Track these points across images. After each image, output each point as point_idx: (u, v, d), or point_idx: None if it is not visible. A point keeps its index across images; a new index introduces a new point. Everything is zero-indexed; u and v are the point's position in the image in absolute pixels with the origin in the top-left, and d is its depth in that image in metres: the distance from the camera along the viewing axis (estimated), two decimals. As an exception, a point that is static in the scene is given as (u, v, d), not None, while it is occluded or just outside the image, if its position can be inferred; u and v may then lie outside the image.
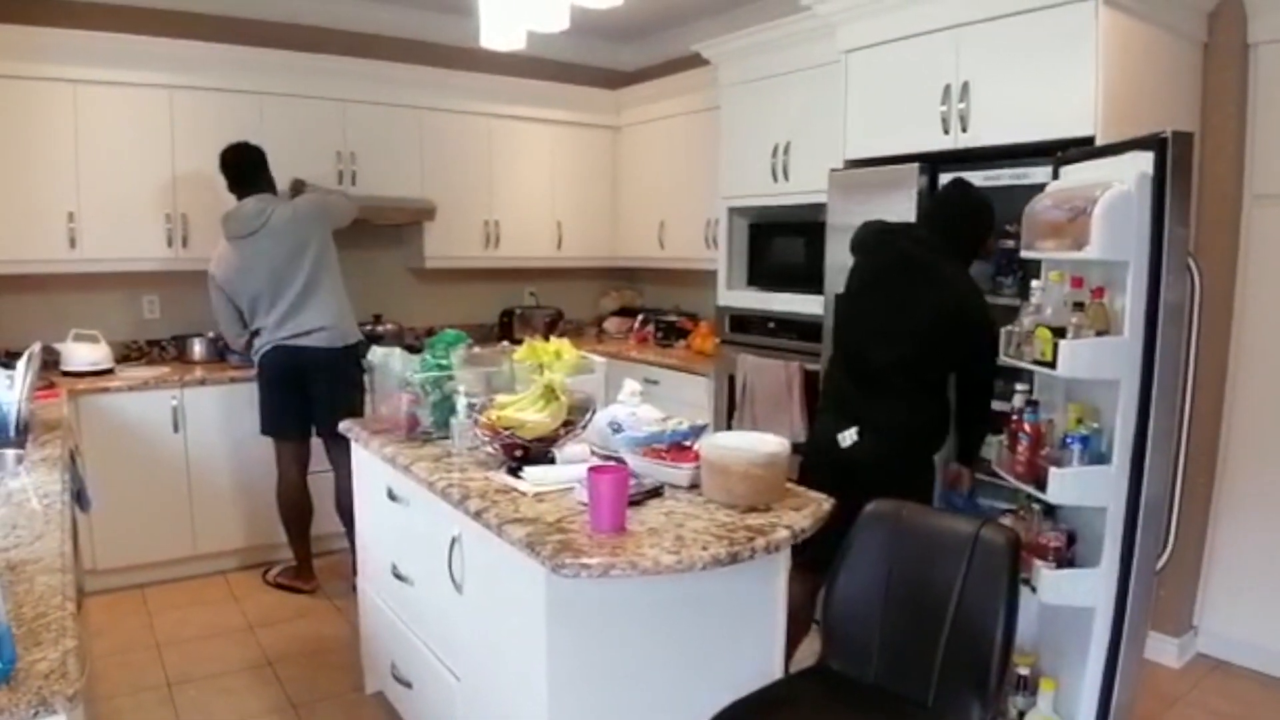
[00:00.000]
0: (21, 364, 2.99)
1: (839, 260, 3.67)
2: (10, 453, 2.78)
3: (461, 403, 2.64)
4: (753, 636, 2.25)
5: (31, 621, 1.50)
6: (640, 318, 5.84)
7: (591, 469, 2.01)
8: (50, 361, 4.03)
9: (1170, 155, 2.29)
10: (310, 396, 4.05)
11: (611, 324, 6.10)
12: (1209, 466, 3.50)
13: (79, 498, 2.71)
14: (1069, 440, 2.49)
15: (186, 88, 4.43)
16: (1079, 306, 2.43)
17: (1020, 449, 2.68)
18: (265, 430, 4.12)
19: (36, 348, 3.17)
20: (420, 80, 5.07)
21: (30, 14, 4.18)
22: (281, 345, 4.00)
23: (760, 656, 2.26)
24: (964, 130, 3.30)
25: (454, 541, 2.36)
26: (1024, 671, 2.73)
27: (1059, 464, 2.48)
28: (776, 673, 2.28)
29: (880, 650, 2.17)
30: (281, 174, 4.51)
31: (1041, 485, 2.53)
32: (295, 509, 4.17)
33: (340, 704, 3.25)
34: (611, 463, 2.32)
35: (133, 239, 4.36)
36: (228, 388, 4.37)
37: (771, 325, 4.32)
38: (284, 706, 3.23)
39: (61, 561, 1.81)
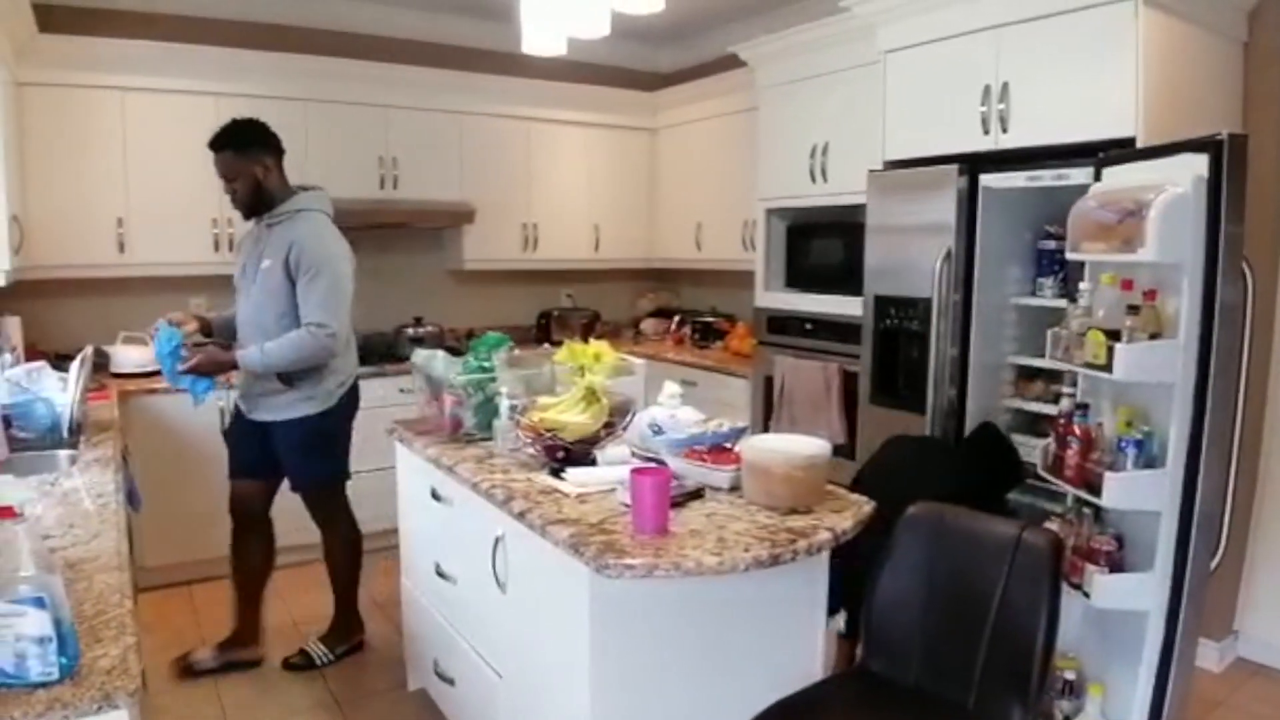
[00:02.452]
0: (74, 366, 3.07)
1: (878, 261, 3.68)
2: (64, 453, 2.86)
3: (504, 405, 2.66)
4: (793, 638, 2.26)
5: (92, 619, 1.55)
6: (677, 319, 5.86)
7: (634, 471, 2.03)
8: (100, 364, 4.11)
9: (1226, 157, 2.27)
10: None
11: (648, 325, 6.12)
12: (1250, 469, 3.45)
13: (130, 497, 2.77)
14: (1123, 444, 2.48)
15: (232, 95, 4.50)
16: (1133, 309, 2.41)
17: (1069, 453, 2.66)
18: (348, 472, 3.60)
19: (88, 350, 3.25)
20: (460, 85, 5.13)
21: (80, 24, 4.30)
22: (357, 379, 3.53)
23: (800, 658, 2.26)
24: (1004, 131, 3.28)
25: (497, 541, 2.38)
26: (1069, 676, 2.71)
27: (1113, 468, 2.46)
28: (817, 674, 2.28)
29: (921, 653, 2.17)
30: (327, 179, 4.57)
31: (1092, 489, 2.52)
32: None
33: (383, 701, 3.30)
34: (652, 464, 2.34)
35: (180, 243, 4.45)
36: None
37: (810, 326, 4.32)
38: (328, 703, 3.28)
39: (119, 560, 1.86)
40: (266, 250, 3.18)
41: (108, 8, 4.47)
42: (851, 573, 2.34)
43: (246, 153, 3.16)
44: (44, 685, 1.31)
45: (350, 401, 3.46)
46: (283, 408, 3.27)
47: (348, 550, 3.65)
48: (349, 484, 3.62)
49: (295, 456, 3.34)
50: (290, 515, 4.40)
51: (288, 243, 3.12)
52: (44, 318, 4.39)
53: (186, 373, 3.14)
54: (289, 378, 3.22)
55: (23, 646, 1.31)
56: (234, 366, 3.20)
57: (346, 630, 3.69)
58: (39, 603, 1.31)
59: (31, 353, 3.90)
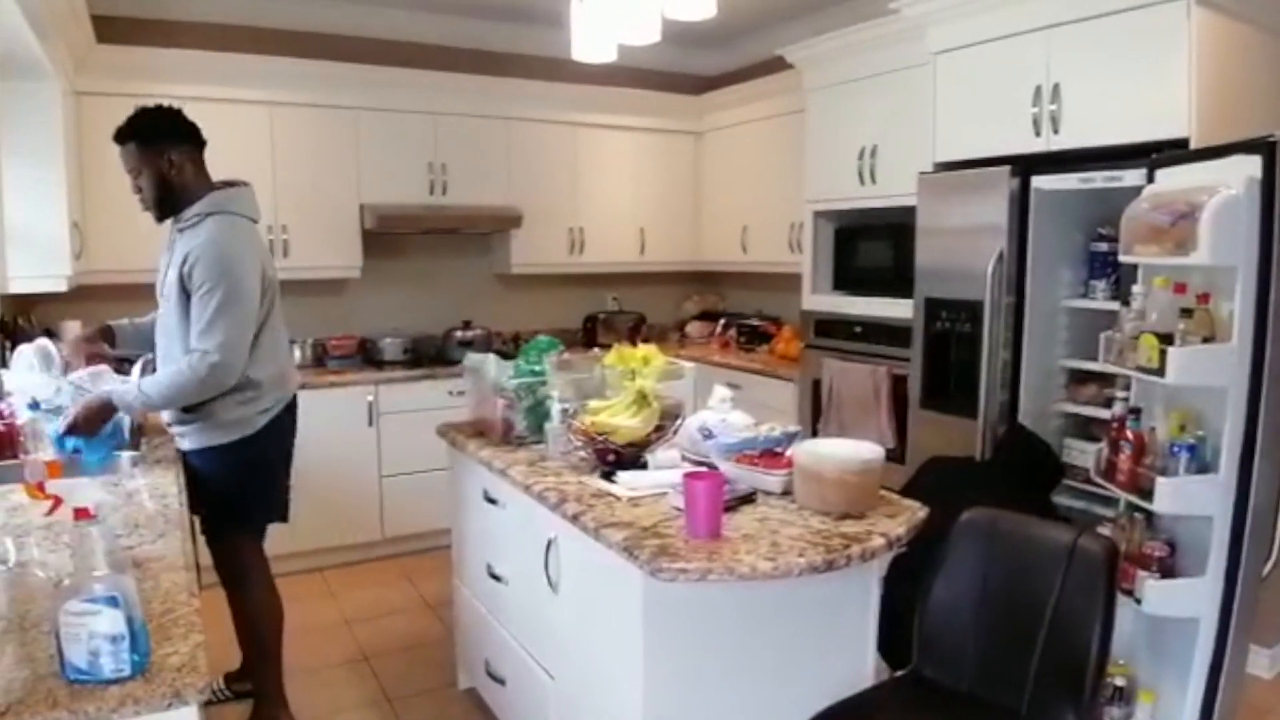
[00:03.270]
0: (135, 371, 3.14)
1: (929, 263, 3.66)
2: (126, 455, 2.92)
3: (555, 408, 2.69)
4: (844, 642, 2.25)
5: (160, 617, 1.58)
6: (722, 322, 5.86)
7: (687, 475, 2.04)
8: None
9: (1280, 159, 2.24)
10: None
11: (693, 328, 6.12)
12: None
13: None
14: (1175, 449, 2.45)
15: (285, 104, 4.60)
16: (1186, 313, 2.38)
17: (1122, 458, 2.63)
18: (274, 517, 3.04)
19: (149, 355, 3.32)
20: (507, 91, 5.18)
21: (137, 35, 4.41)
22: (293, 400, 3.04)
23: (851, 662, 2.26)
24: (1055, 132, 3.25)
25: (550, 544, 2.41)
26: (1120, 682, 2.68)
27: (1165, 473, 2.43)
28: (868, 679, 2.27)
29: (974, 658, 2.15)
30: (379, 186, 4.68)
31: (1145, 494, 2.49)
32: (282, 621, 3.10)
33: (434, 699, 3.34)
34: (703, 468, 2.35)
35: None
36: (323, 392, 4.52)
37: (858, 329, 4.30)
38: (379, 700, 3.33)
39: (184, 559, 1.90)
40: (173, 259, 2.78)
41: (165, 18, 4.58)
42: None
43: (151, 145, 2.75)
44: (116, 682, 1.35)
45: (278, 431, 2.93)
46: (192, 435, 2.84)
47: (263, 616, 3.00)
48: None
49: (204, 493, 2.80)
50: (325, 515, 4.51)
51: (185, 253, 2.71)
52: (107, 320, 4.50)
53: (66, 434, 2.67)
54: (188, 405, 2.78)
55: (96, 644, 1.34)
56: (113, 409, 2.70)
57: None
58: (113, 601, 1.35)
59: (92, 358, 4.00)
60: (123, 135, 2.76)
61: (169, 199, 2.80)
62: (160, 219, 2.87)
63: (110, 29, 4.22)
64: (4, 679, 1.36)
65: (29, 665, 1.41)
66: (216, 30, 4.68)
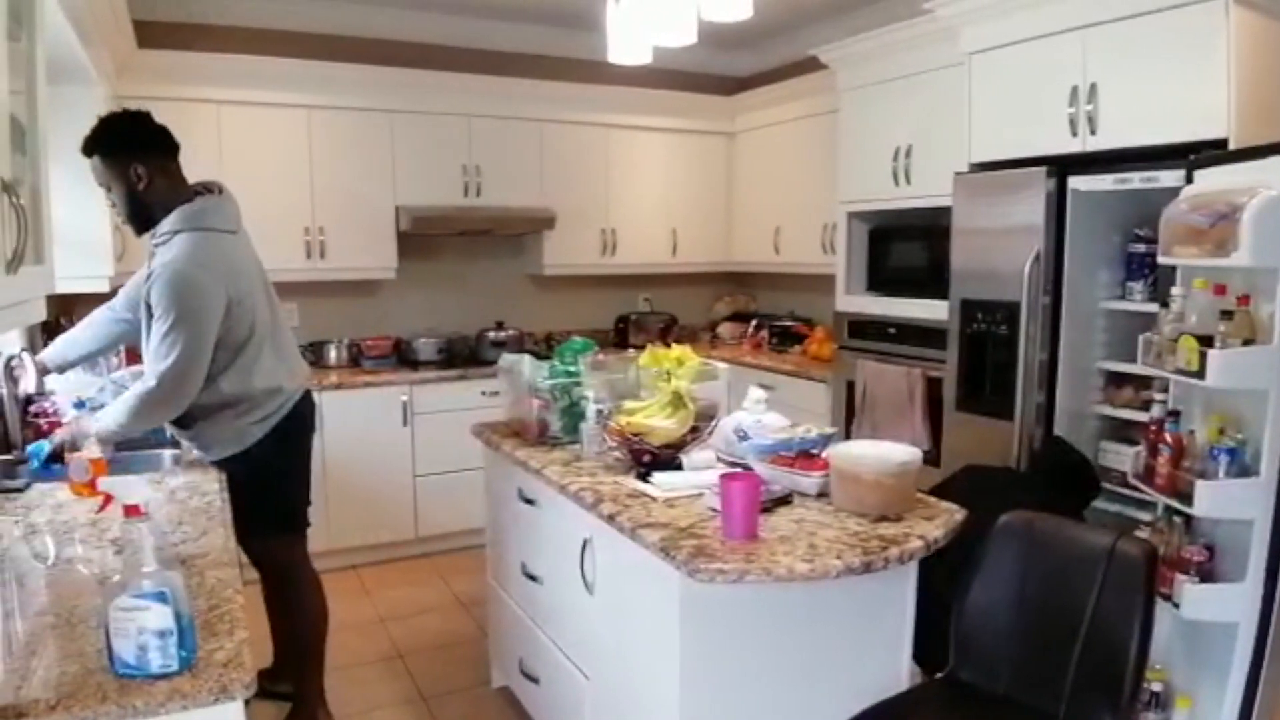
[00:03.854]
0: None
1: (965, 264, 3.64)
2: (167, 453, 2.97)
3: (590, 409, 2.70)
4: (879, 645, 2.25)
5: (206, 613, 1.61)
6: (754, 323, 5.85)
7: (724, 476, 2.05)
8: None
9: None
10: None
11: (725, 329, 6.11)
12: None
13: None
14: (1215, 452, 2.42)
15: (322, 107, 4.65)
16: (1226, 315, 2.35)
17: (1161, 461, 2.61)
18: (297, 525, 3.02)
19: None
20: (541, 94, 5.20)
21: (177, 39, 4.47)
22: (305, 397, 2.97)
23: (887, 665, 2.25)
24: (1092, 133, 3.21)
25: (586, 543, 2.42)
26: (1156, 688, 2.66)
27: (1204, 476, 2.41)
28: (903, 682, 2.27)
29: (1011, 662, 2.14)
30: (414, 188, 4.70)
31: (1184, 498, 2.47)
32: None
33: (467, 697, 3.36)
34: (738, 469, 2.35)
35: (274, 251, 4.49)
36: (358, 392, 4.56)
37: (893, 331, 4.28)
38: (414, 698, 3.36)
39: (228, 556, 1.93)
40: (146, 275, 2.66)
41: (204, 23, 4.65)
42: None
43: (116, 157, 2.62)
44: (164, 677, 1.37)
45: (282, 439, 2.83)
46: (195, 448, 2.82)
47: (305, 617, 3.00)
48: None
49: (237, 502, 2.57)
50: (359, 514, 4.55)
51: (149, 271, 2.61)
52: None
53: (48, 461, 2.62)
54: (181, 420, 2.72)
55: (145, 639, 1.37)
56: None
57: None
58: (161, 597, 1.38)
59: (133, 356, 4.06)
60: (88, 148, 2.63)
61: (142, 213, 2.67)
62: (139, 232, 2.73)
63: (151, 34, 4.28)
64: (54, 673, 1.39)
65: (78, 660, 1.44)
66: (255, 35, 4.74)
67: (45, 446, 2.64)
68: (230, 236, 2.76)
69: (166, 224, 2.64)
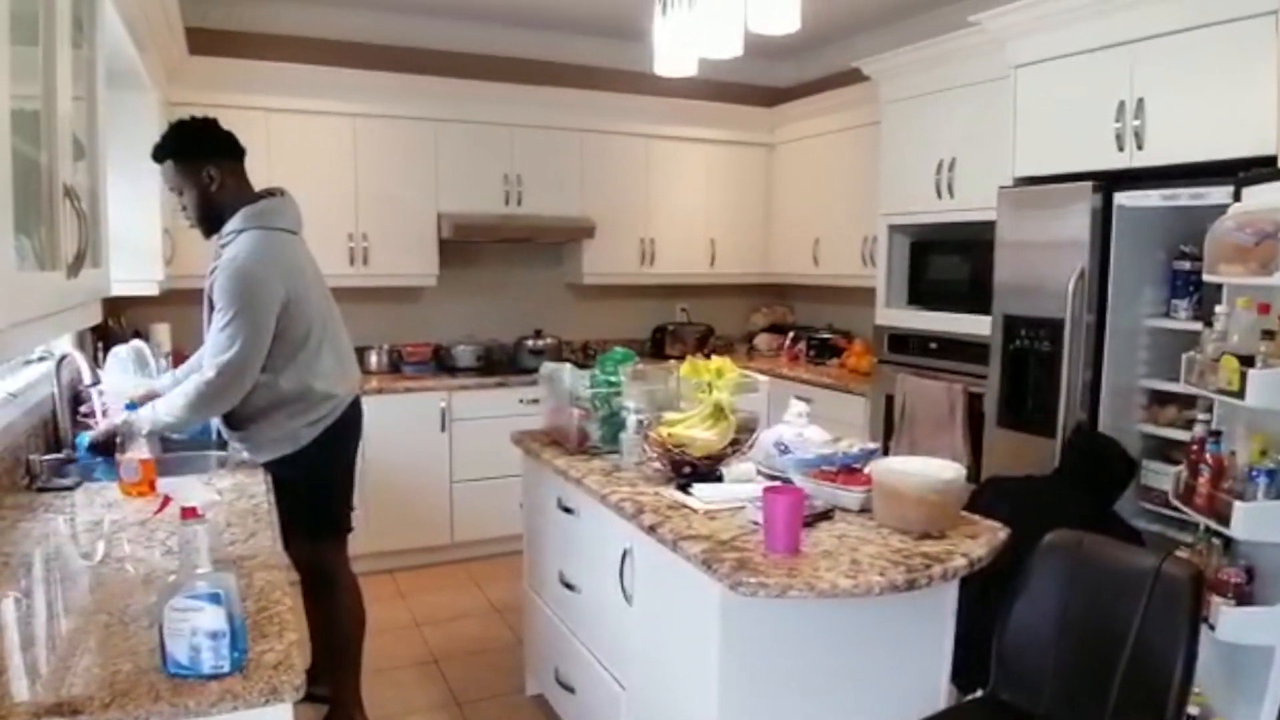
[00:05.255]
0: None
1: (1008, 279, 3.61)
2: (214, 454, 3.01)
3: (631, 419, 2.71)
4: (919, 662, 2.23)
5: (255, 614, 1.62)
6: (791, 335, 5.83)
7: (767, 490, 2.04)
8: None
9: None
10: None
11: (762, 341, 6.10)
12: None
13: None
14: (1255, 473, 2.39)
15: (368, 115, 4.72)
16: (1269, 334, 2.32)
17: (1201, 481, 2.57)
18: (340, 529, 3.04)
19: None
20: (583, 104, 5.24)
21: (227, 47, 4.55)
22: (355, 402, 2.99)
23: (926, 683, 2.23)
24: (1139, 148, 3.18)
25: (625, 554, 2.42)
26: (1193, 710, 2.61)
27: (1243, 497, 2.38)
28: (942, 701, 2.25)
29: (1053, 682, 2.11)
30: (456, 196, 4.74)
31: (1223, 519, 2.43)
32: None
33: (502, 704, 3.37)
34: (779, 483, 2.35)
35: (318, 257, 4.54)
36: (398, 397, 4.60)
37: (934, 345, 4.25)
38: (449, 703, 3.37)
39: (276, 558, 1.96)
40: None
41: (254, 31, 4.72)
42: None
43: (190, 161, 2.72)
44: (216, 677, 1.39)
45: (330, 444, 2.86)
46: (246, 449, 2.85)
47: (343, 621, 3.03)
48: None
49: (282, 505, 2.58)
50: (397, 518, 4.58)
51: (215, 267, 2.70)
52: (192, 325, 4.63)
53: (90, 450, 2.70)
54: (233, 421, 2.80)
55: (198, 640, 1.39)
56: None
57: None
58: (215, 598, 1.40)
59: (180, 359, 4.12)
60: (160, 153, 2.74)
61: (213, 214, 2.76)
62: (208, 234, 2.82)
63: (202, 41, 4.36)
64: (107, 671, 1.41)
65: (130, 658, 1.46)
66: (303, 43, 4.81)
67: (85, 438, 2.72)
68: (291, 236, 2.85)
69: (232, 223, 2.73)
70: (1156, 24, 3.08)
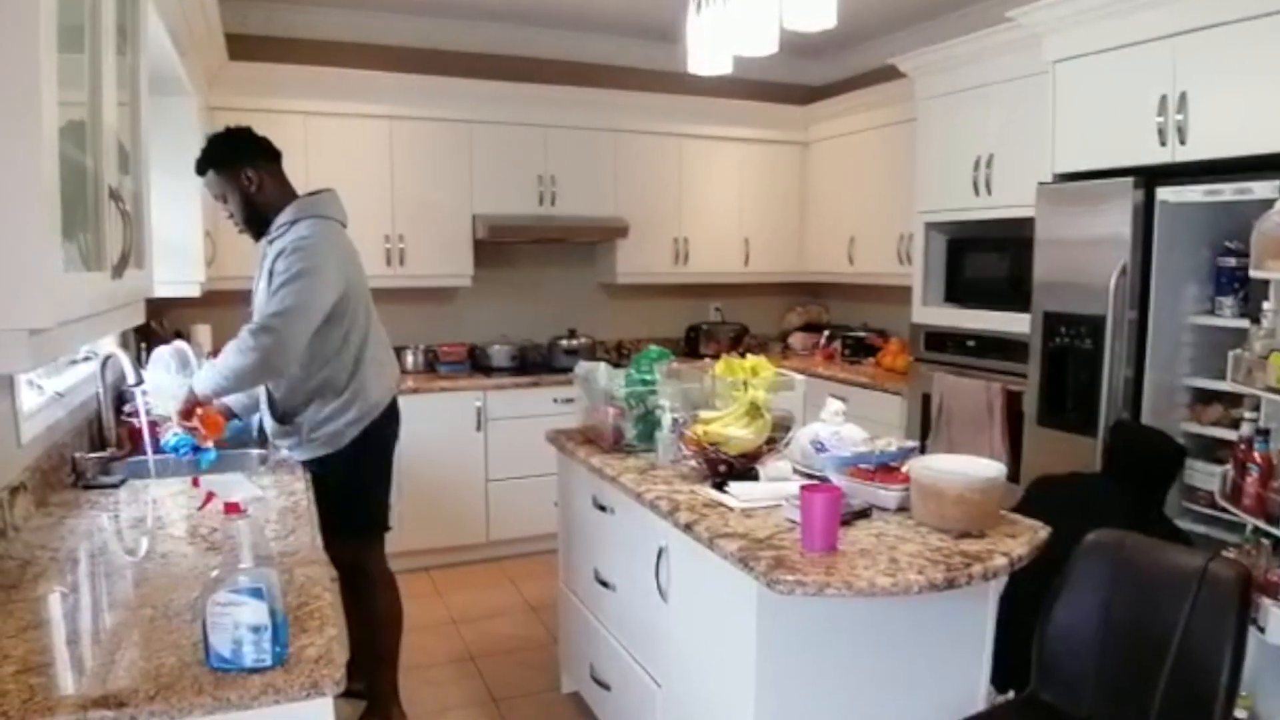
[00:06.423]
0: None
1: (1048, 276, 3.57)
2: (255, 452, 3.05)
3: (666, 418, 2.70)
4: (958, 662, 2.21)
5: (296, 610, 1.64)
6: (826, 334, 5.80)
7: (805, 487, 2.03)
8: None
9: None
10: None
11: (796, 340, 6.07)
12: None
13: None
14: (1302, 472, 2.34)
15: (403, 118, 4.76)
16: (1319, 331, 2.28)
17: (1249, 480, 2.53)
18: (378, 527, 3.08)
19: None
20: (616, 104, 5.25)
21: (266, 52, 4.63)
22: (393, 403, 3.04)
23: (965, 683, 2.22)
24: (1182, 143, 3.12)
25: (661, 551, 2.42)
26: (1240, 714, 2.57)
27: (1292, 496, 2.33)
28: (980, 701, 2.23)
29: (1095, 684, 2.08)
30: (490, 197, 4.77)
31: (1272, 519, 2.39)
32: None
33: (537, 701, 3.39)
34: (815, 481, 2.34)
35: (356, 257, 4.70)
36: (434, 396, 4.63)
37: (971, 344, 4.21)
38: (485, 700, 3.39)
39: (317, 554, 1.98)
40: (264, 270, 2.79)
41: (292, 37, 4.78)
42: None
43: (230, 168, 2.81)
44: (258, 671, 1.40)
45: (369, 445, 2.91)
46: (289, 448, 2.92)
47: (382, 618, 3.08)
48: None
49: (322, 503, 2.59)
50: (432, 517, 4.60)
51: (274, 255, 2.75)
52: (233, 326, 4.68)
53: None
54: (280, 414, 2.90)
55: (240, 634, 1.40)
56: (195, 399, 2.74)
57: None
58: (257, 593, 1.41)
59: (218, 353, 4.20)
60: (201, 165, 2.84)
61: (258, 215, 2.85)
62: (257, 237, 2.89)
63: (241, 46, 4.43)
64: (151, 665, 1.44)
65: (174, 652, 1.48)
66: (341, 47, 4.87)
67: (182, 438, 2.81)
68: (341, 227, 2.93)
69: (283, 216, 2.82)
70: (1200, 17, 3.03)
